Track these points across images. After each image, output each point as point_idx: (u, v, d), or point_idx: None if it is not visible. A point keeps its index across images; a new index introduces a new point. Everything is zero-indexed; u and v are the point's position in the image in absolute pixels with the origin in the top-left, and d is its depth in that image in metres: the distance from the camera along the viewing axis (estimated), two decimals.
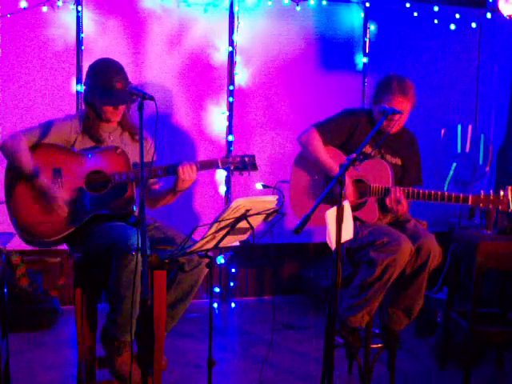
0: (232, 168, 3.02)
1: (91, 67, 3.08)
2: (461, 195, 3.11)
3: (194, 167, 2.96)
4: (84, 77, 3.11)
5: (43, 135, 2.99)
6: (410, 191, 3.17)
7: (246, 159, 3.02)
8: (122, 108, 3.05)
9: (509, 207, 3.06)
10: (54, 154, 2.99)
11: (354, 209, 3.21)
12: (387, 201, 3.17)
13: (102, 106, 3.01)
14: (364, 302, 3.19)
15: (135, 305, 2.69)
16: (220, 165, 3.01)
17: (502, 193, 3.06)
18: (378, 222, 3.33)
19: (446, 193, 3.13)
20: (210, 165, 3.02)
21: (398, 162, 3.43)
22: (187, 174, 2.94)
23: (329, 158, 3.33)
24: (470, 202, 3.10)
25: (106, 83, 2.97)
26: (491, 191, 3.10)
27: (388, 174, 3.27)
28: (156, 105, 2.49)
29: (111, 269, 2.76)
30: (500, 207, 3.06)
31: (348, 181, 3.25)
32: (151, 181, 3.16)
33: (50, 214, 2.93)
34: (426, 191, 3.15)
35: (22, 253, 4.21)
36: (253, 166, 3.03)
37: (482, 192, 3.10)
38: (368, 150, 3.30)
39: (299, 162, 3.49)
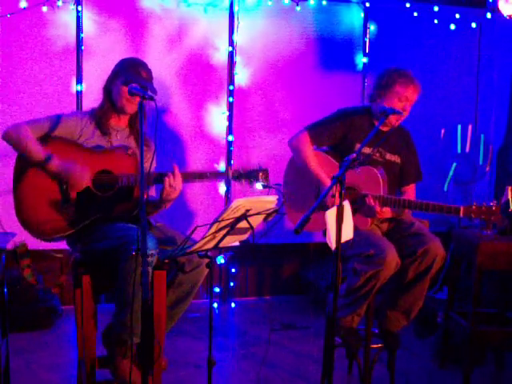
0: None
1: (120, 60, 3.09)
2: (452, 207, 3.04)
3: (179, 177, 2.87)
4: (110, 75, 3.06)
5: (49, 127, 2.93)
6: (389, 199, 3.12)
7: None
8: (137, 99, 2.88)
9: (503, 218, 3.04)
10: (63, 148, 2.92)
11: None
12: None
13: (120, 88, 2.94)
14: (352, 305, 3.19)
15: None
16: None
17: (494, 202, 3.02)
18: (374, 228, 3.29)
19: (434, 203, 3.05)
20: (201, 176, 2.98)
21: (397, 159, 3.40)
22: (169, 183, 2.85)
23: (318, 166, 3.30)
24: (461, 214, 3.02)
25: (131, 68, 2.96)
26: (483, 203, 3.02)
27: (379, 181, 3.22)
28: (156, 105, 2.49)
29: (118, 271, 2.72)
30: (492, 218, 3.00)
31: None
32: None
33: (53, 212, 2.89)
34: (418, 201, 3.10)
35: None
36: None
37: (474, 203, 3.03)
38: (367, 150, 3.26)
39: (291, 165, 3.55)
